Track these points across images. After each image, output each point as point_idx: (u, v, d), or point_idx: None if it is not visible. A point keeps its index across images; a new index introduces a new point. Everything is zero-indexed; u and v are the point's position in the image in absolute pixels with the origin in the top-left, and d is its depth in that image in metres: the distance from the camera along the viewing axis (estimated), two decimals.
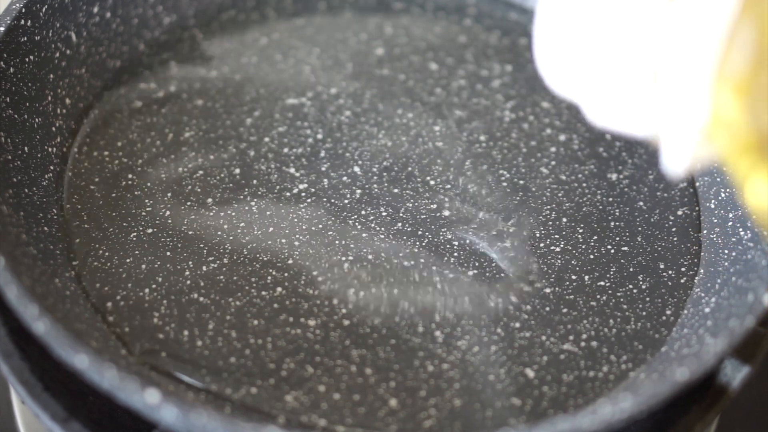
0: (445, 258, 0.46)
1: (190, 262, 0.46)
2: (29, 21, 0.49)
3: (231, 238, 0.47)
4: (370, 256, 0.46)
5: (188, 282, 0.45)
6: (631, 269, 0.46)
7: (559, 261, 0.46)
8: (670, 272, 0.46)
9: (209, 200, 0.48)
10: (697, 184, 0.50)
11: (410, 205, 0.49)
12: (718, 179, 0.49)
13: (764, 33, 0.30)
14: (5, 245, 0.42)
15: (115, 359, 0.42)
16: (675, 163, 0.33)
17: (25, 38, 0.49)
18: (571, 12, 0.33)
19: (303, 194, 0.49)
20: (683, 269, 0.46)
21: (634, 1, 0.32)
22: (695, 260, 0.47)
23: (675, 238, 0.47)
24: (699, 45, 0.31)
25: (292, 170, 0.50)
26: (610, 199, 0.49)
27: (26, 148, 0.48)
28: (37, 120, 0.49)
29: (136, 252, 0.46)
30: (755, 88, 0.30)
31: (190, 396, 0.41)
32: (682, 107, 0.32)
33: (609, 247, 0.47)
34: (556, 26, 0.34)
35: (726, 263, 0.45)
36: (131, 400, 0.36)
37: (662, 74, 0.32)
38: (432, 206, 0.49)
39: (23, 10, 0.49)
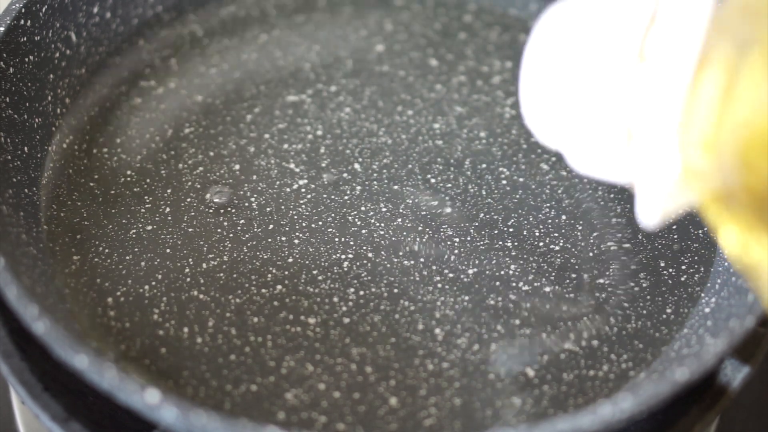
0: (446, 256, 0.46)
1: (190, 260, 0.46)
2: (29, 21, 0.49)
3: (231, 235, 0.47)
4: (370, 254, 0.46)
5: (188, 279, 0.45)
6: (632, 267, 0.46)
7: (558, 259, 0.46)
8: (670, 270, 0.46)
9: (208, 196, 0.48)
10: None
11: (410, 202, 0.49)
12: None
13: (723, 95, 0.31)
14: (5, 245, 0.42)
15: (115, 357, 0.42)
16: (649, 214, 0.35)
17: (25, 38, 0.49)
18: (554, 73, 0.36)
19: (303, 190, 0.49)
20: (683, 267, 0.46)
21: (608, 62, 0.34)
22: (696, 259, 0.47)
23: (676, 236, 0.47)
24: (665, 104, 0.33)
25: (292, 165, 0.50)
26: (611, 195, 0.49)
27: (26, 148, 0.47)
28: (37, 120, 0.49)
29: (136, 249, 0.46)
30: (719, 145, 0.32)
31: (189, 393, 0.41)
32: (655, 163, 0.34)
33: (609, 244, 0.47)
34: (540, 85, 0.37)
35: (726, 263, 0.45)
36: (131, 400, 0.36)
37: (635, 131, 0.34)
38: (432, 203, 0.48)
39: (23, 10, 0.48)
